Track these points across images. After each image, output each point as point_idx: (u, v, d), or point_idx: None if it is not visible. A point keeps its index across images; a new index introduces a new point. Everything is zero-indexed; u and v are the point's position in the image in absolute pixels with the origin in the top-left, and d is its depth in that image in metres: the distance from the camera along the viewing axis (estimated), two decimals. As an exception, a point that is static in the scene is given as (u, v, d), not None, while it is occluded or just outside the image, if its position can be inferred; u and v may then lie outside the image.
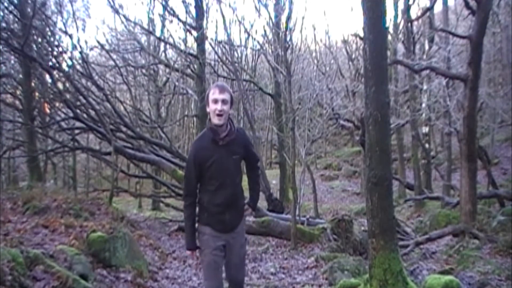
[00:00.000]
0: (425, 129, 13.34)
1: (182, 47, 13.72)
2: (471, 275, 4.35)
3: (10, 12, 9.68)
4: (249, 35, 14.55)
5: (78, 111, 9.49)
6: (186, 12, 12.64)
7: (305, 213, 10.19)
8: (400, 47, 12.59)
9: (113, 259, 4.61)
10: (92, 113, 9.58)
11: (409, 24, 10.81)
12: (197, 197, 2.84)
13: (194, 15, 12.41)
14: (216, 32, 21.75)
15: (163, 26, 15.92)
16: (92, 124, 9.55)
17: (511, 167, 13.55)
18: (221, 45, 13.38)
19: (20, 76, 11.27)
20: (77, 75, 10.16)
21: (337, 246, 6.65)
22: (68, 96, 9.79)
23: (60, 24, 10.87)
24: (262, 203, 9.45)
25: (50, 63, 9.62)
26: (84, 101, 9.37)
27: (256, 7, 16.67)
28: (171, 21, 15.40)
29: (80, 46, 12.30)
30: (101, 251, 4.57)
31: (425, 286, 3.78)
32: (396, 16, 13.06)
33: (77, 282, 3.56)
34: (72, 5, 10.72)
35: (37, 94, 11.39)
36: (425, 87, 11.32)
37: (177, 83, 14.41)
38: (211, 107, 2.70)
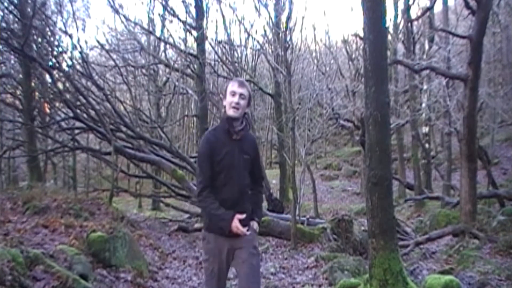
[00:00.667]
0: (425, 129, 13.33)
1: (182, 47, 13.71)
2: (471, 275, 4.36)
3: (10, 12, 9.68)
4: (249, 35, 14.53)
5: (78, 111, 9.48)
6: (186, 12, 12.64)
7: (305, 213, 10.18)
8: (400, 47, 12.58)
9: (113, 259, 4.61)
10: (92, 113, 9.58)
11: (409, 24, 10.80)
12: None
13: (194, 15, 12.40)
14: (216, 32, 21.76)
15: (163, 26, 15.93)
16: (92, 124, 9.55)
17: (511, 167, 13.55)
18: (221, 45, 13.38)
19: (20, 76, 11.27)
20: (77, 75, 10.15)
21: (337, 246, 6.66)
22: (68, 96, 9.79)
23: (60, 24, 10.86)
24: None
25: (50, 63, 9.62)
26: (84, 101, 9.37)
27: (256, 7, 16.64)
28: (171, 21, 15.43)
29: (80, 46, 12.33)
30: (101, 251, 4.57)
31: (425, 286, 3.78)
32: (396, 16, 13.07)
33: (77, 282, 3.55)
34: (72, 5, 10.70)
35: (37, 94, 11.39)
36: (425, 87, 11.32)
37: (177, 83, 14.40)
38: (228, 100, 2.64)
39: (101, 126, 9.21)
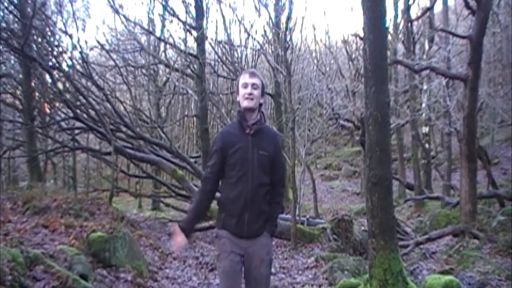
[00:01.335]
0: (425, 129, 13.33)
1: (182, 47, 13.69)
2: (471, 275, 4.36)
3: (10, 12, 9.67)
4: (249, 35, 14.50)
5: (78, 111, 9.48)
6: (186, 12, 12.62)
7: (305, 213, 10.19)
8: (400, 47, 12.59)
9: (113, 259, 4.61)
10: (92, 113, 9.58)
11: (409, 24, 10.81)
12: (216, 188, 2.62)
13: (194, 15, 12.40)
14: (216, 32, 21.69)
15: (163, 26, 15.90)
16: (92, 124, 9.55)
17: (511, 167, 13.54)
18: (221, 45, 13.36)
19: (20, 76, 11.27)
20: (77, 75, 10.15)
21: (337, 246, 6.66)
22: (68, 96, 9.78)
23: (60, 24, 10.85)
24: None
25: (50, 63, 9.61)
26: (84, 101, 9.37)
27: (256, 7, 16.61)
28: (171, 21, 15.36)
29: (80, 46, 12.28)
30: (101, 251, 4.57)
31: (425, 286, 3.78)
32: (396, 16, 13.06)
33: (77, 282, 3.55)
34: (72, 5, 10.66)
35: (37, 94, 11.38)
36: (425, 87, 11.33)
37: (177, 83, 14.40)
38: (241, 92, 2.55)
39: (101, 126, 9.21)
